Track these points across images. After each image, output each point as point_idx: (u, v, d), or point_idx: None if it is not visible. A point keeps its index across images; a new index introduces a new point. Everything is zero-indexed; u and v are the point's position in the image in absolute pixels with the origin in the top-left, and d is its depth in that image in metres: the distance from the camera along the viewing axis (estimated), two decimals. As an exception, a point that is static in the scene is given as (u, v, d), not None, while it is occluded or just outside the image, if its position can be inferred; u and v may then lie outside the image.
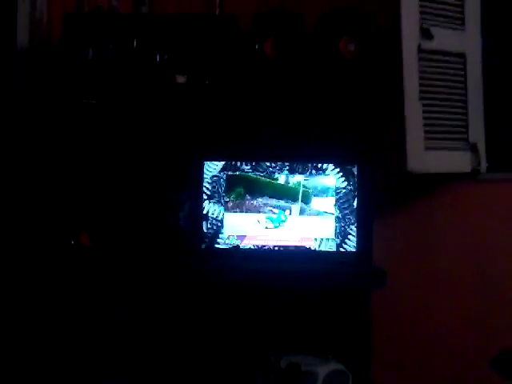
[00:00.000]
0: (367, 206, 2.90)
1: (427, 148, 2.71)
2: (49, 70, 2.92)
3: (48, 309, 2.47)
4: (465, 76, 2.79)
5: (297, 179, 2.92)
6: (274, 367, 2.83)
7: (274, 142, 3.02)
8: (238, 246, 2.93)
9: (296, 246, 2.91)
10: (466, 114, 2.79)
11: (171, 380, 2.81)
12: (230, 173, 2.96)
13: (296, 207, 2.93)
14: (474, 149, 2.78)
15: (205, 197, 2.94)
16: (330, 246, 2.90)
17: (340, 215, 2.90)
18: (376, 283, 2.74)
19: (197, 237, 2.93)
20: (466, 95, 2.80)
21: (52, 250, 2.81)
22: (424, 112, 2.69)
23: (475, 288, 2.80)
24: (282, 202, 2.93)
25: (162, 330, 2.92)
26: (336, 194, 2.91)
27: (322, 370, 2.70)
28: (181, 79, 2.85)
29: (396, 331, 2.92)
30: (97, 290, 2.85)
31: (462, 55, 2.79)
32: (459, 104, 2.79)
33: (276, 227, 2.92)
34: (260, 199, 2.93)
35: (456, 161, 2.80)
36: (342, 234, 2.89)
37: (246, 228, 2.94)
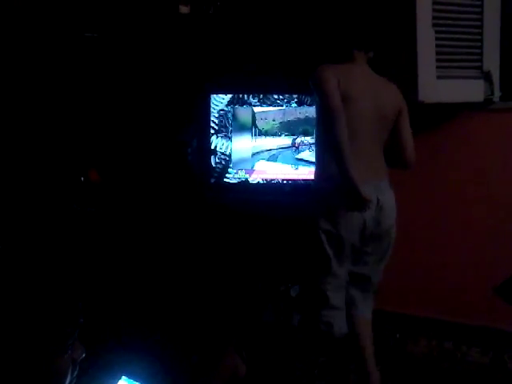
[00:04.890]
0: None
1: (439, 77, 2.62)
2: (49, 3, 2.83)
3: (58, 244, 2.53)
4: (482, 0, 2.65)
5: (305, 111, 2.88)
6: (284, 296, 2.92)
7: (282, 74, 2.94)
8: (246, 180, 2.93)
9: (305, 180, 2.90)
10: (481, 40, 2.68)
11: (182, 308, 2.90)
12: (237, 106, 2.92)
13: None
14: (487, 77, 2.68)
15: (212, 131, 2.92)
16: (338, 179, 2.89)
17: (349, 147, 2.87)
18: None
19: (205, 172, 2.94)
20: (481, 20, 2.67)
21: (63, 186, 2.85)
22: (437, 39, 2.59)
23: (485, 219, 2.79)
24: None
25: (171, 263, 2.98)
26: (345, 126, 2.86)
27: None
28: (184, 9, 2.76)
29: (402, 258, 2.95)
30: (107, 224, 2.89)
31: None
32: (474, 30, 2.67)
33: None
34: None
35: (469, 90, 2.71)
36: (350, 167, 2.87)
37: (254, 162, 2.94)
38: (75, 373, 0.95)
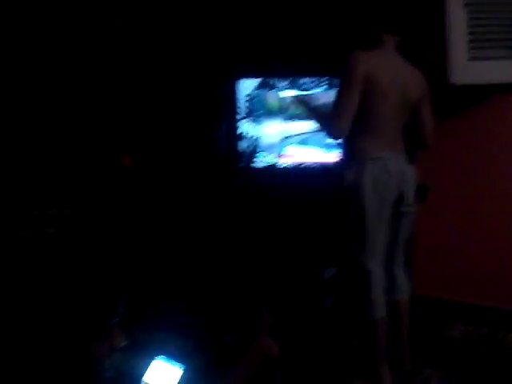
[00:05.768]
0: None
1: (472, 58, 2.57)
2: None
3: (96, 231, 2.55)
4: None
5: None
6: (318, 279, 2.92)
7: (312, 58, 2.91)
8: (275, 164, 2.93)
9: (335, 163, 2.88)
10: (515, 18, 2.61)
11: (217, 288, 2.90)
12: (265, 90, 2.91)
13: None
14: (522, 57, 2.62)
15: (241, 116, 2.91)
16: (369, 163, 2.86)
17: (379, 131, 2.84)
18: (418, 197, 2.72)
19: (234, 157, 2.95)
20: (516, -2, 2.60)
21: (97, 170, 2.87)
22: (469, 19, 2.53)
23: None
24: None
25: (203, 246, 2.99)
26: (375, 110, 2.83)
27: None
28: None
29: (438, 245, 2.92)
30: (140, 209, 2.91)
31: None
32: (509, 8, 2.60)
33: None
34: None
35: (502, 70, 2.65)
36: (380, 150, 2.84)
37: (283, 146, 2.93)
38: (114, 359, 0.96)
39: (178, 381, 1.37)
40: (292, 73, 2.89)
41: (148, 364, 1.46)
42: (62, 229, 1.38)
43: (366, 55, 2.16)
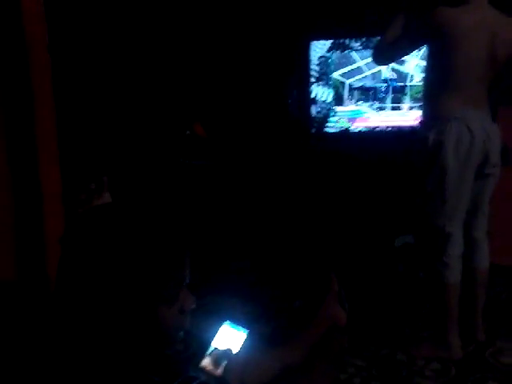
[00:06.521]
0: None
1: None
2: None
3: (166, 196, 2.62)
4: None
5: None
6: (389, 247, 2.86)
7: (387, 15, 2.76)
8: (348, 128, 2.85)
9: (411, 127, 2.77)
10: None
11: (288, 254, 2.92)
12: (338, 51, 2.81)
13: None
14: None
15: (312, 80, 2.84)
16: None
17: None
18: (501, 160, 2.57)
19: (306, 122, 2.89)
20: None
21: (170, 140, 2.93)
22: None
23: None
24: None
25: (276, 211, 2.99)
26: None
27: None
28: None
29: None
30: (213, 177, 2.95)
31: None
32: None
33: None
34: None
35: None
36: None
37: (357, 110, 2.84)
38: (186, 323, 0.97)
39: (241, 346, 1.39)
40: (366, 32, 2.75)
41: (217, 328, 1.48)
42: (116, 196, 1.41)
43: (449, 10, 2.03)
